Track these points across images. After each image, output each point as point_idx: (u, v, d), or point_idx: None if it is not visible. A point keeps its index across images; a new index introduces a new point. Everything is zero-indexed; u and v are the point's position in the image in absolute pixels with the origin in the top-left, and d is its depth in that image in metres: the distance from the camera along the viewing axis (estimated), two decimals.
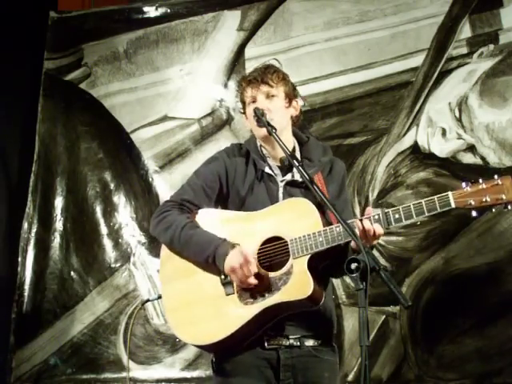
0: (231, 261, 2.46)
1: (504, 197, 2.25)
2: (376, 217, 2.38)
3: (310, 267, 2.43)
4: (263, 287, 2.47)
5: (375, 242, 2.42)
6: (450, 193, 2.31)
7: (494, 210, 2.28)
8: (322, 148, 2.75)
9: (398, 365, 3.90)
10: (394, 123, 4.11)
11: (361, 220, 2.38)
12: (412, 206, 2.35)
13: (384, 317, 3.94)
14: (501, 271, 3.80)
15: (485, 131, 3.93)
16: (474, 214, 2.30)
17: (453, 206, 2.30)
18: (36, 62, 4.73)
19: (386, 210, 2.39)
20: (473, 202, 2.28)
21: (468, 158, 3.96)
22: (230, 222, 2.61)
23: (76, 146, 4.66)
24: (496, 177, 2.28)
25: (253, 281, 2.45)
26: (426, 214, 2.34)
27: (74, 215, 4.58)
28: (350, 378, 3.91)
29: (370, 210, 2.42)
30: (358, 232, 2.36)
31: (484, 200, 2.27)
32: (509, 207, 2.27)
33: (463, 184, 2.30)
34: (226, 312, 2.50)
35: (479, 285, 3.82)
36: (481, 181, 2.28)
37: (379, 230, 2.37)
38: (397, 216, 2.37)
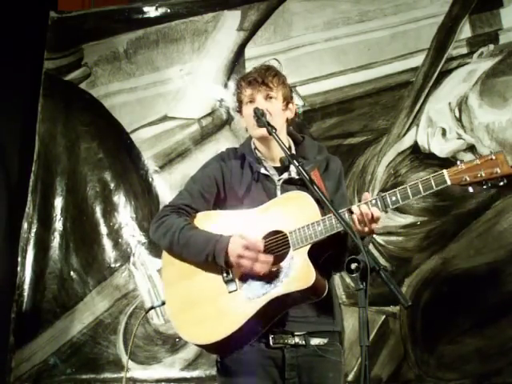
0: (234, 248, 2.47)
1: (499, 170, 2.25)
2: (373, 201, 2.40)
3: (311, 257, 2.43)
4: (265, 281, 2.47)
5: (374, 226, 2.41)
6: (444, 171, 2.32)
7: (489, 185, 2.28)
8: (317, 147, 2.78)
9: (398, 365, 3.90)
10: (394, 123, 4.11)
11: (358, 206, 2.39)
12: (408, 187, 2.36)
13: (384, 317, 3.95)
14: (501, 271, 3.80)
15: (485, 131, 3.93)
16: (470, 189, 2.30)
17: (448, 183, 2.30)
18: (36, 62, 4.73)
19: (383, 194, 2.40)
20: (468, 178, 2.28)
21: (468, 158, 3.92)
22: (229, 220, 2.62)
23: (76, 146, 4.66)
24: (490, 152, 2.28)
25: (264, 258, 2.45)
26: (423, 194, 2.34)
27: (73, 215, 4.58)
28: (350, 377, 3.90)
29: (367, 195, 2.44)
30: (356, 218, 2.38)
31: (479, 175, 2.27)
32: (504, 181, 2.26)
33: (457, 162, 2.32)
34: (229, 309, 2.51)
35: (479, 285, 3.82)
36: (475, 157, 2.30)
37: (377, 213, 2.38)
38: (394, 198, 2.38)
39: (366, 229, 2.40)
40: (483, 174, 2.26)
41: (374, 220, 2.39)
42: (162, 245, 2.69)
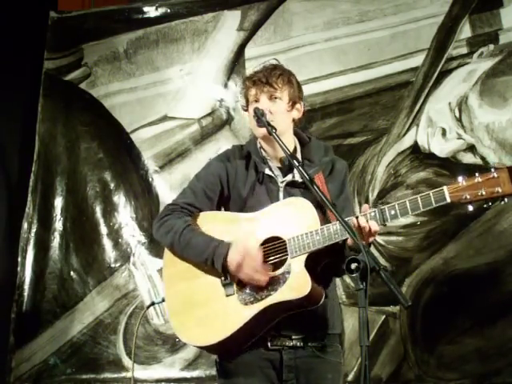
0: (234, 257, 2.47)
1: (500, 190, 2.21)
2: (372, 214, 2.38)
3: (308, 266, 2.43)
4: (263, 287, 2.47)
5: (371, 239, 2.40)
6: (445, 187, 2.29)
7: (490, 203, 2.25)
8: (324, 148, 2.75)
9: (398, 365, 3.90)
10: (394, 123, 4.11)
11: (357, 217, 2.38)
12: (407, 202, 2.33)
13: (384, 317, 3.94)
14: (501, 271, 3.80)
15: (485, 131, 3.93)
16: (469, 208, 2.27)
17: (448, 200, 2.28)
18: (36, 62, 4.73)
19: (382, 207, 2.37)
20: (468, 196, 2.25)
21: (468, 158, 3.95)
22: (229, 223, 2.61)
23: (76, 146, 4.66)
24: (492, 170, 2.23)
25: (263, 268, 2.45)
26: (422, 210, 2.33)
27: (73, 215, 4.58)
28: (350, 377, 3.90)
29: (366, 207, 2.42)
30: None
31: (479, 194, 2.23)
32: (505, 200, 2.23)
33: (459, 178, 2.27)
34: (226, 313, 2.51)
35: (479, 285, 3.82)
36: (477, 174, 2.25)
37: (374, 227, 2.36)
38: (392, 212, 2.35)
39: (363, 242, 2.38)
40: (484, 193, 2.23)
41: (371, 234, 2.37)
42: (163, 244, 2.69)
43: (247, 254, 2.46)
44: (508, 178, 2.22)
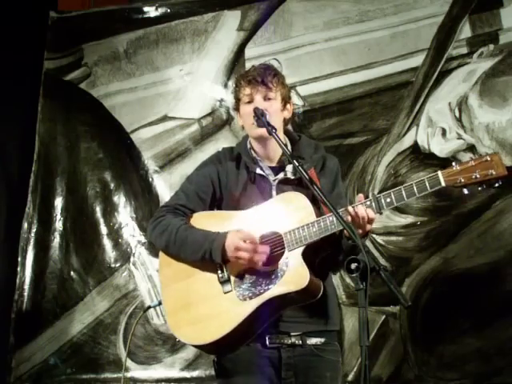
0: (231, 242, 2.49)
1: (493, 172, 2.26)
2: (368, 202, 2.41)
3: (305, 259, 2.44)
4: (260, 282, 2.48)
5: (369, 228, 2.43)
6: (439, 172, 2.33)
7: (484, 186, 2.29)
8: (314, 145, 2.78)
9: (398, 365, 3.90)
10: (394, 123, 4.11)
11: (353, 207, 2.40)
12: (403, 189, 2.37)
13: (384, 317, 3.95)
14: (501, 271, 3.80)
15: (485, 131, 3.93)
16: (465, 191, 2.31)
17: (443, 184, 2.31)
18: (36, 62, 4.73)
19: (378, 195, 2.41)
20: (462, 180, 2.29)
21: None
22: (224, 221, 2.63)
23: (76, 146, 4.66)
24: (485, 153, 2.29)
25: (261, 248, 2.47)
26: (417, 195, 2.36)
27: (73, 215, 4.58)
28: (350, 377, 3.91)
29: (361, 197, 2.44)
30: (350, 219, 2.38)
31: (473, 177, 2.27)
32: (500, 182, 2.27)
33: (453, 163, 2.32)
34: (224, 310, 2.52)
35: (479, 285, 3.82)
36: (470, 158, 2.30)
37: (371, 214, 2.40)
38: (388, 200, 2.39)
39: (361, 231, 2.41)
40: (478, 176, 2.27)
41: (369, 221, 2.40)
42: (158, 245, 2.71)
43: (244, 237, 2.48)
44: (501, 161, 2.27)
